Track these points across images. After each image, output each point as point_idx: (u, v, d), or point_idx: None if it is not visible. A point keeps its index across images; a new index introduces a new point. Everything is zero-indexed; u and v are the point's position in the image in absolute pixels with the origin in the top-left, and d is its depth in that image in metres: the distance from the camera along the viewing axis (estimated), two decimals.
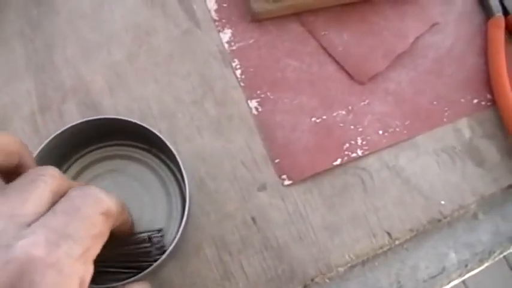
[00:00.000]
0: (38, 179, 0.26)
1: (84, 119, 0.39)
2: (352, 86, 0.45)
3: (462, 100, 0.46)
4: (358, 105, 0.45)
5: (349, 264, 0.42)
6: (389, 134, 0.44)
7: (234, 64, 0.46)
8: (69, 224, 0.25)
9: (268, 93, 0.45)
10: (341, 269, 0.42)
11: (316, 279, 0.41)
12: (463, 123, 0.46)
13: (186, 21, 0.47)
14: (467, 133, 0.46)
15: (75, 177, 0.42)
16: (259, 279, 0.41)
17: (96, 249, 0.27)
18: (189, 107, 0.45)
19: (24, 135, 0.44)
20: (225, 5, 0.48)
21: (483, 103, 0.46)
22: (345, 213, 0.43)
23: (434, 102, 0.46)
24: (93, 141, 0.42)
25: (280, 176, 0.43)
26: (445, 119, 0.45)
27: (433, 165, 0.44)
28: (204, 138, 0.44)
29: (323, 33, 0.47)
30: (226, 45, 0.46)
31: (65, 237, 0.24)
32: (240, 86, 0.45)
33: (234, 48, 0.46)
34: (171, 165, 0.42)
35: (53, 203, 0.26)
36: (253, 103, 0.45)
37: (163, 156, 0.42)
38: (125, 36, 0.47)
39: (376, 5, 0.48)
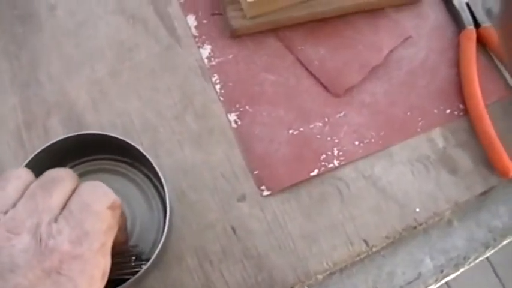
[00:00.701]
0: (58, 179, 0.31)
1: (68, 135, 0.40)
2: (329, 99, 0.47)
3: (435, 110, 0.48)
4: (335, 117, 0.46)
5: (327, 272, 0.43)
6: (364, 144, 0.46)
7: (213, 79, 0.47)
8: (84, 221, 0.29)
9: (247, 107, 0.46)
10: (320, 277, 0.43)
11: (296, 287, 0.43)
12: (437, 133, 0.47)
13: (167, 38, 0.49)
14: (440, 142, 0.47)
15: None
16: (240, 287, 0.42)
17: (109, 243, 0.31)
18: (170, 121, 0.46)
19: (10, 150, 0.45)
20: (205, 21, 0.49)
21: (456, 113, 0.48)
22: (323, 222, 0.44)
23: (408, 113, 0.47)
24: (76, 156, 0.44)
25: (259, 187, 0.44)
26: (419, 129, 0.47)
27: (407, 174, 0.46)
28: (185, 151, 0.45)
29: (300, 47, 0.48)
30: (206, 61, 0.48)
31: (85, 235, 0.29)
32: (220, 100, 0.47)
33: (213, 63, 0.48)
34: (153, 178, 0.43)
35: (69, 197, 0.31)
36: (232, 116, 0.46)
37: (145, 170, 0.44)
38: (108, 53, 0.48)
39: (351, 20, 0.49)
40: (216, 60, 0.48)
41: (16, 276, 0.26)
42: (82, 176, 0.44)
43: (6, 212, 0.29)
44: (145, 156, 0.40)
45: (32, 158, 0.39)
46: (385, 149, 0.46)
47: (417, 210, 0.45)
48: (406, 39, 0.49)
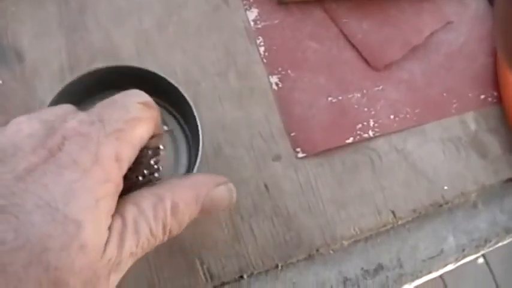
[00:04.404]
0: (126, 103, 0.30)
1: (100, 66, 0.38)
2: (368, 72, 0.48)
3: (470, 95, 0.49)
4: (373, 90, 0.47)
5: (353, 239, 0.44)
6: (399, 119, 0.47)
7: (258, 41, 0.48)
8: (104, 112, 0.28)
9: (289, 71, 0.47)
10: (345, 243, 0.44)
11: (321, 250, 0.43)
12: (470, 116, 0.48)
13: None
14: (472, 126, 0.48)
15: None
16: (267, 243, 0.42)
17: (133, 132, 0.28)
18: (213, 77, 0.47)
19: (52, 91, 0.45)
20: None
21: (489, 99, 0.49)
22: (353, 189, 0.45)
23: (444, 94, 0.48)
24: (105, 88, 0.42)
25: (294, 149, 0.45)
26: (453, 111, 0.48)
27: (438, 153, 0.47)
28: (225, 107, 0.46)
29: (344, 20, 0.49)
30: (252, 23, 0.49)
31: (99, 120, 0.27)
32: (263, 62, 0.48)
33: (259, 26, 0.48)
34: (177, 116, 0.42)
35: None
36: (273, 79, 0.47)
37: (167, 106, 0.42)
38: (156, 6, 0.49)
39: None
40: (262, 23, 0.49)
41: (17, 159, 0.25)
42: None
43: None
44: (173, 86, 0.38)
45: (64, 88, 0.38)
46: (418, 126, 0.47)
47: (445, 188, 0.46)
48: (447, 23, 0.50)
